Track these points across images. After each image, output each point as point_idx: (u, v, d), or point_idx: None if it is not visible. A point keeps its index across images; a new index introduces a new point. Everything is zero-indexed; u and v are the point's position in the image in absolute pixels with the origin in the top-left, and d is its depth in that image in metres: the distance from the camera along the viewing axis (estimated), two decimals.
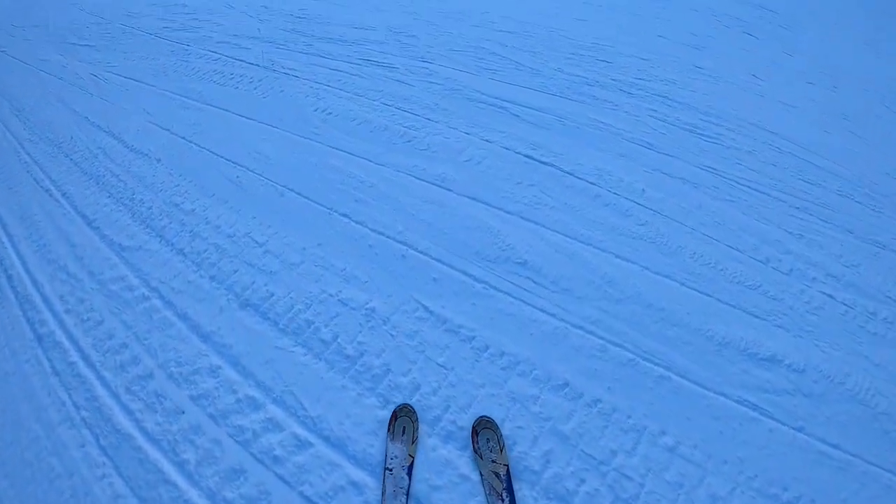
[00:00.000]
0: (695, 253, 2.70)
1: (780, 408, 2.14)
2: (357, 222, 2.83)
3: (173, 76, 4.49)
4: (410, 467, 1.89)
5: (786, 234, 2.89)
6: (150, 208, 3.24)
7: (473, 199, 2.92)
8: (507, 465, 1.88)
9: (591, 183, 3.05)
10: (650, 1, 5.42)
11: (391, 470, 1.86)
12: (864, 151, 3.64)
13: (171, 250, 2.92)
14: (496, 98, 3.62)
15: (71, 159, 3.90)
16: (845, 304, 2.57)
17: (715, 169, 3.22)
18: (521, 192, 2.95)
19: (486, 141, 3.28)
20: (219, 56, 4.61)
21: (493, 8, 4.89)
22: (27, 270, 3.04)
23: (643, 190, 3.03)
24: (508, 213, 2.84)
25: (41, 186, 3.68)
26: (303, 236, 2.79)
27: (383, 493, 1.82)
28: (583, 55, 4.18)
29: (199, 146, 3.59)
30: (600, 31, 4.60)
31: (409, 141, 3.29)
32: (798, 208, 3.05)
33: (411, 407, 2.07)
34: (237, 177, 3.25)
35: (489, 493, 1.83)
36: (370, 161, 3.18)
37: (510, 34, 4.43)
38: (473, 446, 1.93)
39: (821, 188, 3.23)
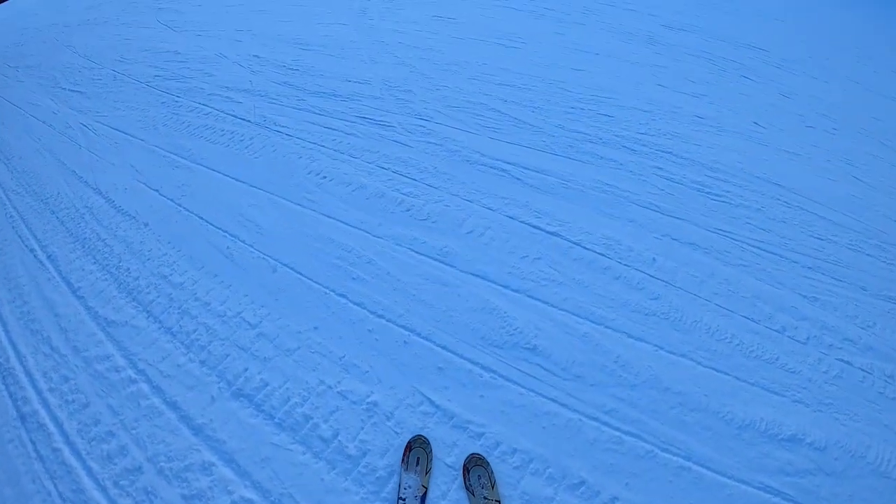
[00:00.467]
0: (710, 327, 2.61)
1: (803, 490, 2.05)
2: (355, 303, 2.71)
3: (163, 130, 4.39)
4: (423, 497, 1.88)
5: (800, 298, 2.82)
6: (136, 279, 3.11)
7: (477, 276, 2.81)
8: (500, 501, 1.87)
9: (600, 254, 2.96)
10: (645, 47, 5.45)
11: (404, 500, 1.85)
12: (869, 197, 3.61)
13: (159, 328, 2.77)
14: (497, 160, 3.55)
15: (57, 217, 3.79)
16: (863, 370, 2.50)
17: (725, 231, 3.15)
18: (528, 266, 2.85)
19: (489, 209, 3.19)
20: (210, 110, 4.52)
21: (490, 60, 4.87)
22: (10, 340, 2.91)
23: (654, 259, 2.95)
24: (515, 291, 2.73)
25: (26, 245, 3.59)
26: (298, 318, 2.66)
27: None
28: (583, 109, 4.14)
29: (187, 210, 3.47)
30: (599, 81, 4.58)
31: (407, 210, 3.20)
32: (811, 268, 2.99)
33: (425, 438, 2.06)
34: (227, 247, 3.13)
35: None
36: (367, 233, 3.08)
37: (508, 87, 4.39)
38: (465, 483, 1.91)
39: (832, 244, 3.18)
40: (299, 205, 3.33)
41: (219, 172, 3.76)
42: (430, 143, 3.74)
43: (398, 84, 4.50)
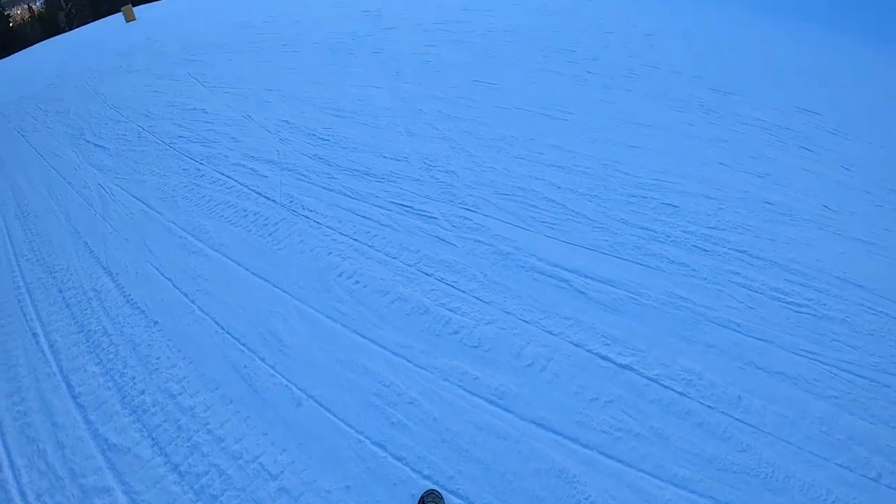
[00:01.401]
0: (804, 483, 2.11)
1: None
2: (396, 457, 2.21)
3: (182, 204, 4.01)
4: None
5: (893, 432, 2.27)
6: (142, 393, 2.71)
7: (540, 425, 2.30)
8: None
9: (680, 393, 2.44)
10: (698, 115, 5.00)
11: None
12: None
13: (166, 463, 2.37)
14: (556, 266, 3.06)
15: (63, 297, 3.48)
16: None
17: (812, 353, 2.66)
18: (599, 412, 2.34)
19: (550, 333, 2.69)
20: (233, 184, 4.13)
21: (537, 134, 4.43)
22: (5, 445, 2.61)
23: (739, 397, 2.46)
24: (585, 447, 2.22)
25: (29, 327, 3.33)
26: (327, 472, 2.19)
27: None
28: (646, 197, 3.65)
29: (202, 311, 3.02)
30: (657, 161, 4.12)
31: (455, 332, 2.71)
32: None
33: (438, 493, 1.97)
34: (245, 367, 2.67)
35: None
36: (409, 362, 2.59)
37: (560, 170, 3.93)
38: None
39: None
40: (329, 318, 2.86)
41: (239, 265, 3.32)
42: (479, 241, 3.26)
43: (439, 163, 4.06)
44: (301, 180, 4.11)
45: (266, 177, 4.23)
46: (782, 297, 2.98)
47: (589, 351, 2.65)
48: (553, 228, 3.38)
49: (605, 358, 2.60)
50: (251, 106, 5.65)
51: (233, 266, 3.36)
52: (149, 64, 8.18)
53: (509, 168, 3.99)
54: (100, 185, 4.73)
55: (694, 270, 3.11)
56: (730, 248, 3.28)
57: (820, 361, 2.64)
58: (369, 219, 3.57)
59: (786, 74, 6.54)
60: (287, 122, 5.13)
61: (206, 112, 5.68)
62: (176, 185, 4.41)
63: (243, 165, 4.46)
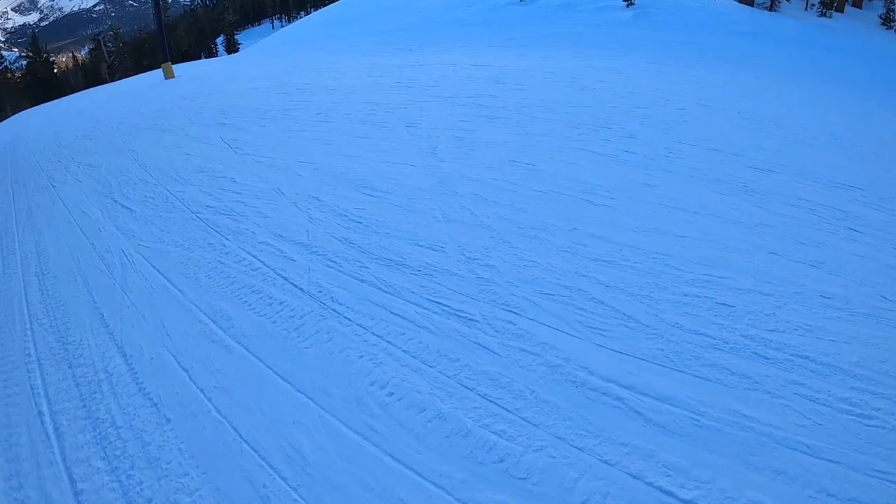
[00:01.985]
0: None
1: None
2: None
3: (204, 283, 3.81)
4: None
5: None
6: (149, 501, 2.42)
7: None
8: None
9: None
10: (742, 198, 4.78)
11: None
12: None
13: None
14: (609, 381, 2.76)
15: (73, 375, 3.28)
16: None
17: (886, 474, 2.30)
18: None
19: (606, 462, 2.37)
20: (259, 265, 3.94)
21: (579, 223, 4.22)
22: None
23: None
24: None
25: (35, 403, 3.15)
26: None
27: None
28: (699, 296, 3.38)
29: (219, 413, 2.76)
30: (707, 253, 3.87)
31: (500, 459, 2.40)
32: None
33: None
34: (264, 486, 2.39)
35: None
36: (449, 494, 2.30)
37: (607, 265, 3.69)
38: None
39: None
40: (360, 434, 2.57)
41: (261, 362, 3.08)
42: (524, 350, 2.98)
43: (477, 254, 3.84)
44: (331, 267, 3.90)
45: (294, 260, 4.04)
46: (850, 408, 2.67)
47: (649, 484, 2.32)
48: (604, 335, 3.10)
49: (667, 493, 2.28)
50: (282, 178, 5.56)
51: (255, 363, 3.11)
52: (183, 124, 8.28)
53: (553, 263, 3.75)
54: (122, 251, 4.60)
55: (756, 383, 2.80)
56: (792, 354, 2.98)
57: (894, 483, 2.28)
58: (404, 318, 3.32)
59: (821, 145, 6.34)
60: (318, 199, 5.01)
61: (235, 181, 5.60)
62: (199, 261, 4.24)
63: (271, 245, 4.29)
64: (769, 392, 2.73)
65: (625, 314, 3.27)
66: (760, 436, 2.50)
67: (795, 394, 2.72)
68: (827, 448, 2.47)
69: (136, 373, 3.19)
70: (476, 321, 3.25)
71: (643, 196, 4.80)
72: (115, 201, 5.71)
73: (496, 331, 3.17)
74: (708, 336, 3.10)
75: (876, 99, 8.79)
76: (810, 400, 2.68)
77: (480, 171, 5.34)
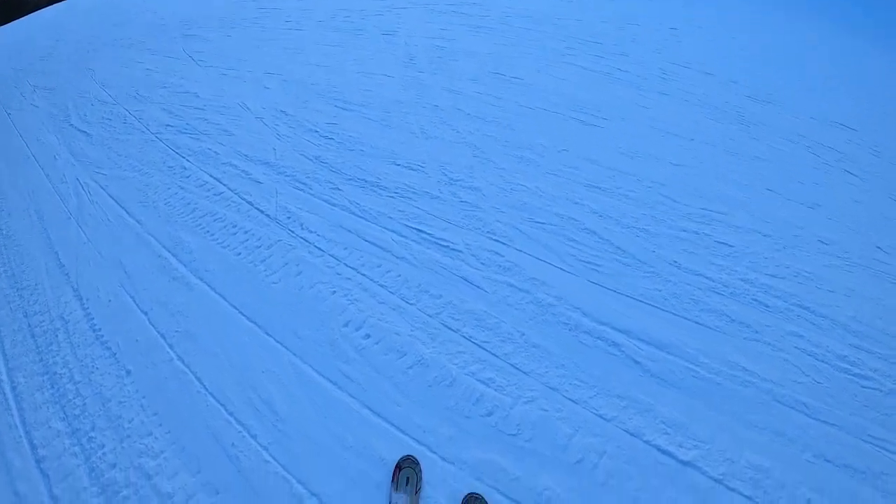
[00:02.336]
0: None
1: None
2: None
3: (164, 212, 3.28)
4: None
5: None
6: (113, 466, 2.14)
7: None
8: None
9: (748, 497, 1.95)
10: (738, 128, 4.30)
11: None
12: None
13: None
14: (604, 324, 2.40)
15: (29, 324, 2.85)
16: None
17: (879, 441, 2.13)
18: None
19: (601, 418, 2.07)
20: (222, 189, 3.38)
21: (571, 144, 3.69)
22: None
23: (809, 501, 1.93)
24: None
25: None
26: None
27: None
28: (697, 233, 2.98)
29: (181, 362, 2.38)
30: (704, 185, 3.44)
31: (489, 412, 2.08)
32: None
33: (415, 458, 1.88)
34: (233, 445, 2.07)
35: None
36: (434, 453, 1.99)
37: (600, 192, 3.22)
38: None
39: None
40: (335, 384, 2.21)
41: (226, 300, 2.63)
42: (513, 286, 2.57)
43: (461, 176, 3.33)
44: (300, 189, 3.36)
45: (260, 182, 3.47)
46: (848, 368, 2.43)
47: (647, 443, 2.04)
48: (598, 272, 2.69)
49: (664, 452, 2.02)
50: (248, 92, 4.82)
51: (219, 301, 2.66)
52: (145, 37, 7.21)
53: (542, 187, 3.26)
54: (77, 179, 3.97)
55: (757, 333, 2.47)
56: (791, 304, 2.67)
57: (888, 452, 2.11)
58: (381, 247, 2.86)
59: (815, 81, 5.76)
60: (286, 113, 4.33)
61: (198, 97, 4.84)
62: (158, 186, 3.65)
63: (235, 166, 3.69)
64: (769, 344, 2.44)
65: (620, 248, 2.86)
66: (760, 392, 2.25)
67: (795, 347, 2.45)
68: (825, 409, 2.23)
69: (94, 318, 2.75)
70: (459, 251, 2.80)
71: (637, 118, 4.23)
72: (72, 126, 4.94)
73: (482, 263, 2.73)
74: (707, 278, 2.75)
75: (872, 39, 8.01)
76: (809, 355, 2.42)
77: (463, 83, 4.66)
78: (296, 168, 3.61)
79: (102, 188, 3.82)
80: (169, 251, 3.07)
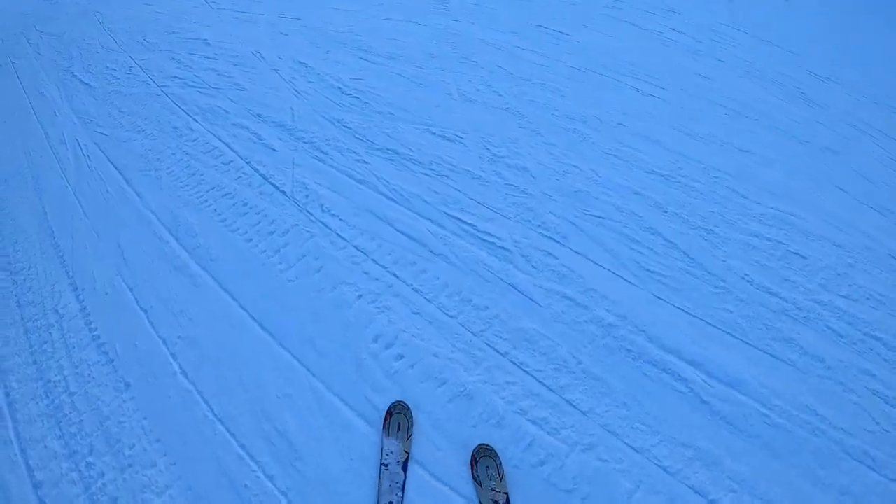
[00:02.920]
0: None
1: None
2: None
3: (167, 183, 2.73)
4: (406, 463, 1.62)
5: None
6: (115, 501, 1.72)
7: None
8: (507, 493, 1.56)
9: None
10: (802, 107, 3.58)
11: (387, 466, 1.61)
12: None
13: None
14: (670, 353, 1.90)
15: (22, 318, 2.37)
16: None
17: None
18: None
19: (665, 471, 1.67)
20: (232, 157, 2.77)
21: (627, 116, 3.01)
22: None
23: None
24: None
25: None
26: None
27: (379, 489, 1.57)
28: (769, 239, 2.42)
29: (185, 377, 1.94)
30: (775, 177, 2.81)
31: (540, 463, 1.66)
32: None
33: (405, 404, 1.75)
34: (246, 486, 1.71)
35: None
36: None
37: (663, 180, 2.59)
38: (472, 474, 1.61)
39: None
40: (361, 415, 1.74)
41: (235, 301, 2.11)
42: (570, 300, 2.02)
43: (505, 151, 2.69)
44: (320, 160, 2.73)
45: (275, 150, 2.84)
46: None
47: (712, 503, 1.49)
48: (664, 284, 2.11)
49: None
50: (263, 38, 4.05)
51: (226, 301, 2.14)
52: None
53: (598, 171, 2.60)
54: (77, 141, 3.37)
55: (829, 369, 2.01)
56: (864, 333, 2.14)
57: None
58: (415, 240, 2.27)
59: (875, 61, 4.82)
60: (305, 65, 3.60)
61: (209, 44, 4.08)
62: (162, 151, 3.04)
63: (247, 128, 3.04)
64: (841, 384, 1.96)
65: (687, 255, 2.25)
66: (830, 442, 1.79)
67: (867, 388, 1.96)
68: (891, 463, 1.76)
69: (90, 314, 2.28)
70: (507, 250, 2.21)
71: (696, 89, 3.47)
72: (75, 76, 4.24)
73: (533, 266, 2.14)
74: (781, 298, 2.21)
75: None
76: (881, 398, 1.93)
77: (503, 35, 3.86)
78: (315, 133, 2.94)
79: (102, 151, 3.21)
80: (171, 233, 2.50)
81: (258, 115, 3.18)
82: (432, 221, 2.36)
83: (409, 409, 1.76)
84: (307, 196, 2.55)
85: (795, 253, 2.41)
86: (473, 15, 4.22)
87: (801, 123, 3.33)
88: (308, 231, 2.38)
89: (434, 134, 2.85)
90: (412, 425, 1.73)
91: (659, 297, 2.10)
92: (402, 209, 2.43)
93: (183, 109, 3.41)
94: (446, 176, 2.57)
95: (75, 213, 2.74)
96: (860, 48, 4.85)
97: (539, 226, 2.35)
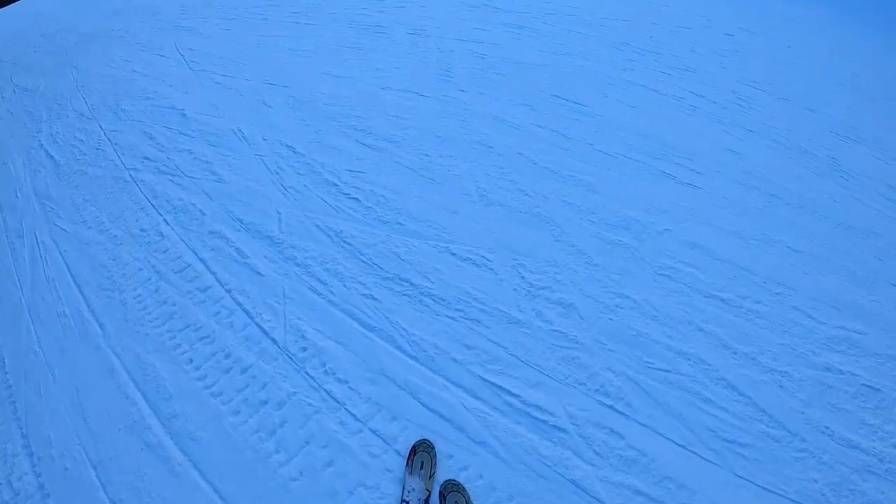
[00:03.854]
0: None
1: None
2: None
3: (132, 310, 2.29)
4: (427, 501, 1.59)
5: None
6: None
7: None
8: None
9: None
10: (839, 185, 3.22)
11: (408, 503, 1.56)
12: None
13: None
14: None
15: None
16: None
17: None
18: None
19: None
20: (209, 284, 2.27)
21: (672, 218, 2.57)
22: None
23: None
24: None
25: None
26: None
27: None
28: (842, 372, 2.11)
29: None
30: (833, 284, 2.50)
31: None
32: None
33: (429, 442, 1.71)
34: None
35: None
36: None
37: (724, 305, 2.23)
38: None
39: None
40: None
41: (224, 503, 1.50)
42: (642, 496, 1.63)
43: (545, 279, 2.23)
44: (317, 293, 2.20)
45: (260, 274, 2.30)
46: None
47: None
48: (744, 457, 1.72)
49: None
50: (245, 111, 3.52)
51: (215, 502, 1.54)
52: (137, 28, 5.68)
53: (653, 301, 2.14)
54: (35, 236, 2.83)
55: None
56: None
57: None
58: (449, 420, 1.76)
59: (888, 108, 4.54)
60: (293, 149, 3.08)
61: (185, 116, 3.53)
62: (128, 264, 2.48)
63: (226, 239, 2.49)
64: None
65: (765, 411, 1.87)
66: None
67: None
68: None
69: (48, 496, 1.76)
70: (563, 431, 1.75)
71: (731, 170, 3.10)
72: (42, 146, 3.71)
73: (596, 452, 1.70)
74: (861, 450, 1.83)
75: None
76: None
77: (516, 109, 3.41)
78: (309, 251, 2.41)
79: (62, 255, 2.65)
80: (139, 389, 1.95)
81: (239, 221, 2.63)
82: (467, 391, 1.84)
83: (433, 447, 1.70)
84: (305, 349, 2.00)
85: (868, 385, 2.02)
86: (479, 83, 3.76)
87: (843, 203, 3.01)
88: (310, 404, 1.83)
89: (455, 255, 2.33)
90: (436, 464, 1.68)
91: (741, 478, 1.65)
92: (427, 372, 1.90)
93: (153, 204, 2.84)
94: (477, 321, 2.05)
95: (30, 342, 2.19)
96: (868, 93, 4.55)
97: (597, 390, 1.84)
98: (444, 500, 1.61)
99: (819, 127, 3.89)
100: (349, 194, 2.77)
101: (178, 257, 2.52)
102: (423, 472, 1.65)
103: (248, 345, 2.06)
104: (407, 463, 1.68)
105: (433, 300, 2.16)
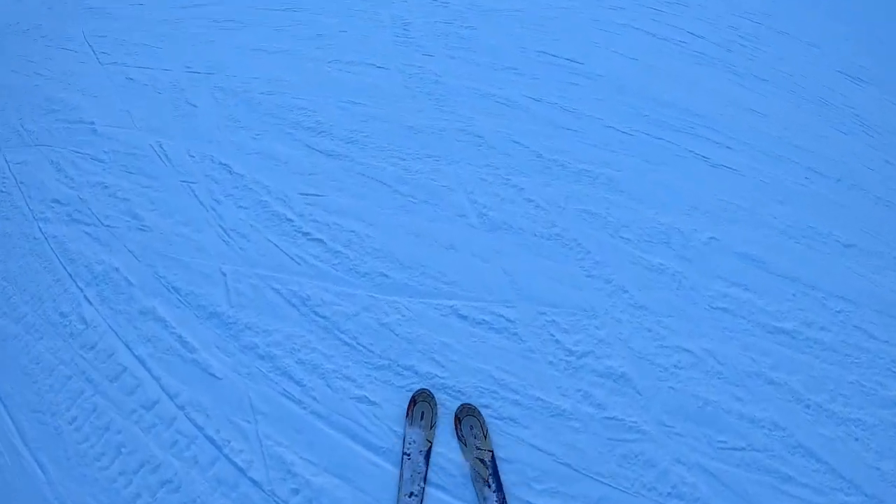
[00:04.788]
0: None
1: None
2: None
3: (70, 444, 1.76)
4: (428, 452, 1.46)
5: None
6: None
7: None
8: (492, 451, 1.44)
9: None
10: (868, 147, 2.58)
11: (409, 455, 1.44)
12: None
13: None
14: None
15: None
16: None
17: None
18: None
19: None
20: (155, 397, 1.81)
21: (711, 221, 1.92)
22: None
23: None
24: None
25: None
26: None
27: (401, 478, 1.40)
28: None
29: None
30: (887, 293, 1.78)
31: None
32: None
33: (430, 392, 1.55)
34: None
35: (475, 479, 1.40)
36: None
37: (788, 340, 1.78)
38: (457, 433, 1.49)
39: None
40: None
41: None
42: None
43: (584, 340, 1.65)
44: (294, 401, 1.62)
45: (216, 378, 1.70)
46: None
47: None
48: None
49: None
50: (165, 115, 2.58)
51: None
52: (40, 17, 4.15)
53: (715, 350, 1.66)
54: None
55: None
56: None
57: None
58: None
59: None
60: (229, 168, 2.24)
61: (96, 132, 2.58)
62: (54, 370, 1.86)
63: (164, 323, 1.82)
64: None
65: (844, 478, 1.63)
66: None
67: None
68: None
69: None
70: None
71: (760, 139, 2.49)
72: None
73: None
74: None
75: None
76: None
77: (500, 76, 2.58)
78: (271, 332, 1.71)
79: None
80: None
81: (176, 291, 1.85)
82: None
83: (433, 397, 1.55)
84: (297, 491, 1.39)
85: None
86: (447, 42, 2.81)
87: (876, 171, 2.34)
88: None
89: (465, 319, 1.65)
90: (436, 414, 1.53)
91: None
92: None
93: (69, 273, 2.04)
94: (512, 420, 1.45)
95: None
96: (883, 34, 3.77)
97: (669, 493, 1.31)
98: (460, 424, 1.51)
99: (828, 68, 3.13)
100: (309, 234, 1.97)
101: (110, 356, 1.76)
102: (423, 422, 1.51)
103: (222, 490, 1.41)
104: (407, 414, 1.53)
105: (449, 395, 1.50)
